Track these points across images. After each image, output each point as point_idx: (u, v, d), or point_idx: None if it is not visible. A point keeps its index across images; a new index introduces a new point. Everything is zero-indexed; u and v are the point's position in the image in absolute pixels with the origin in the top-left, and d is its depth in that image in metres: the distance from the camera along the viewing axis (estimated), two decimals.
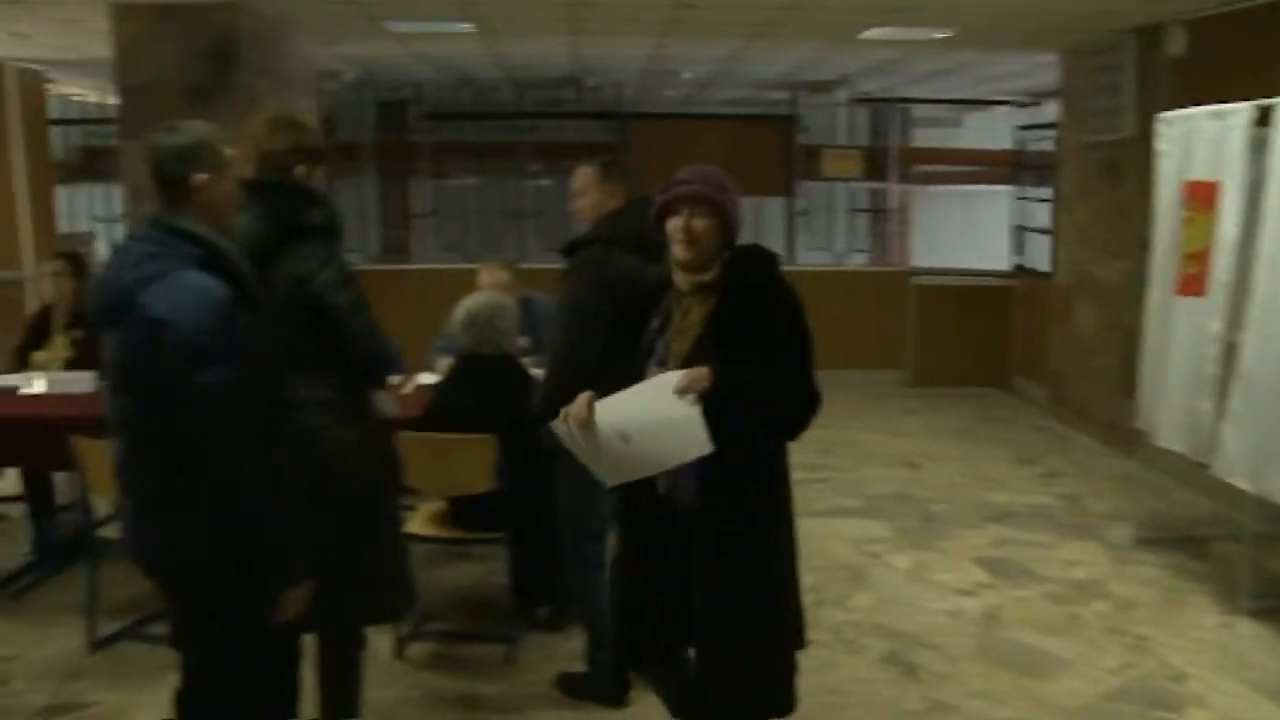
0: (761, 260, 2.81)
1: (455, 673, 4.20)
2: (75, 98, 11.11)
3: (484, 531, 4.21)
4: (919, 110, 12.43)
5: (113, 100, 8.13)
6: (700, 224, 2.69)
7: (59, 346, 5.55)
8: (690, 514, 2.76)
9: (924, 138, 12.86)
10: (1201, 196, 5.07)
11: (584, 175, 3.77)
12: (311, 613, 2.73)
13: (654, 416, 2.61)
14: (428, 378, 5.05)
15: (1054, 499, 6.44)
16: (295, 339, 2.95)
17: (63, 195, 10.24)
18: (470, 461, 3.97)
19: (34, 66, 9.44)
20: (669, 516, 2.80)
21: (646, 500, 2.82)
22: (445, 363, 4.74)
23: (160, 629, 4.35)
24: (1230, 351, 4.81)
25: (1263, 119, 4.68)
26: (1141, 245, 5.89)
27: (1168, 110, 5.57)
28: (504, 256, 5.75)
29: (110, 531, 4.28)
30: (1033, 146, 10.04)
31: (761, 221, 11.97)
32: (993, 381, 9.56)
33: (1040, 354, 8.85)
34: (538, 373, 4.42)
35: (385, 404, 3.72)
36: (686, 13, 7.16)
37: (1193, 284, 5.13)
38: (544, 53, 9.28)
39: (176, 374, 2.39)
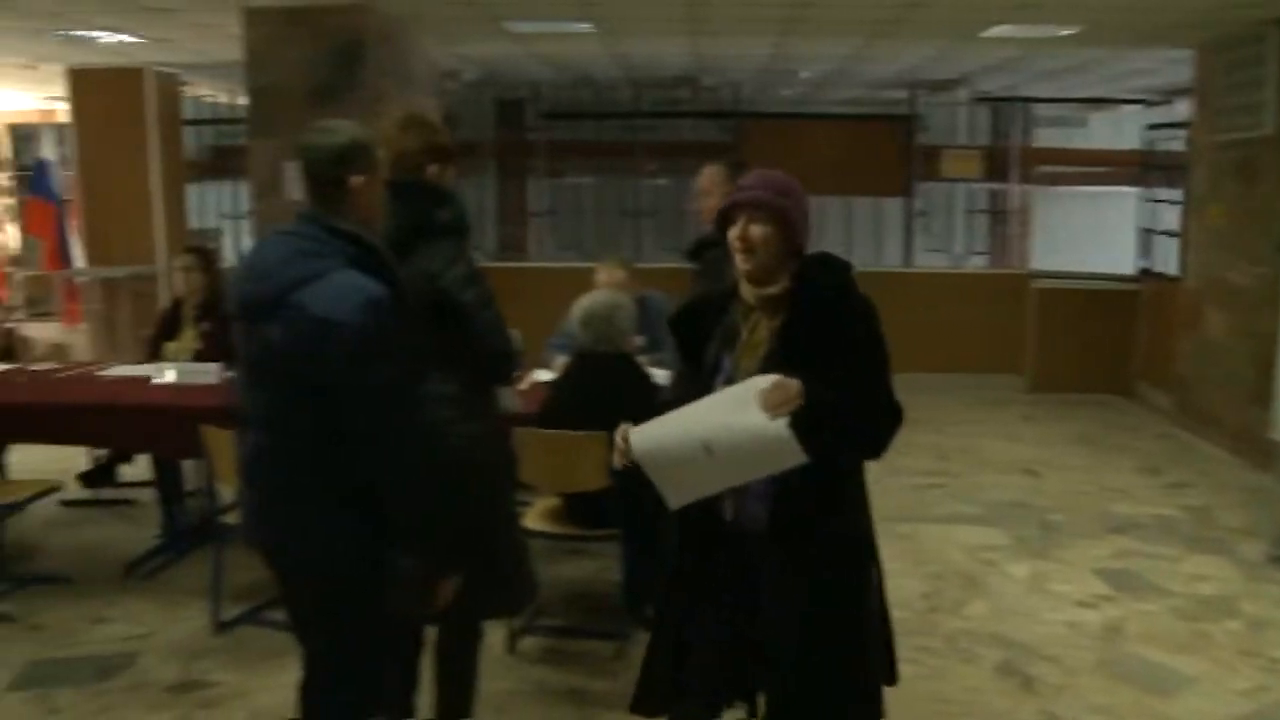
0: (833, 270, 2.63)
1: (566, 668, 4.24)
2: (207, 99, 11.48)
3: (597, 529, 4.24)
4: (1041, 109, 12.15)
5: (242, 101, 8.39)
6: (758, 231, 2.53)
7: (188, 338, 5.75)
8: (759, 541, 2.57)
9: (1046, 137, 12.56)
10: None
11: (710, 175, 3.78)
12: (435, 609, 2.79)
13: (741, 426, 2.42)
14: (544, 375, 5.11)
15: (1180, 511, 6.24)
16: (424, 335, 3.01)
17: (192, 193, 10.60)
18: (585, 459, 3.99)
19: (171, 70, 9.80)
20: (735, 545, 2.62)
21: (710, 527, 2.64)
22: (561, 360, 4.79)
23: (280, 615, 4.50)
24: None
25: None
26: (1278, 248, 5.68)
27: None
28: (621, 255, 5.78)
29: (235, 518, 4.43)
30: (1162, 146, 9.74)
31: (879, 222, 11.84)
32: (1115, 388, 9.31)
33: (1166, 360, 8.58)
34: (654, 371, 4.45)
35: (510, 400, 3.77)
36: (806, 12, 7.11)
37: None
38: (662, 52, 9.30)
39: (339, 373, 2.44)
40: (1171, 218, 9.13)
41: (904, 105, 11.13)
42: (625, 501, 4.04)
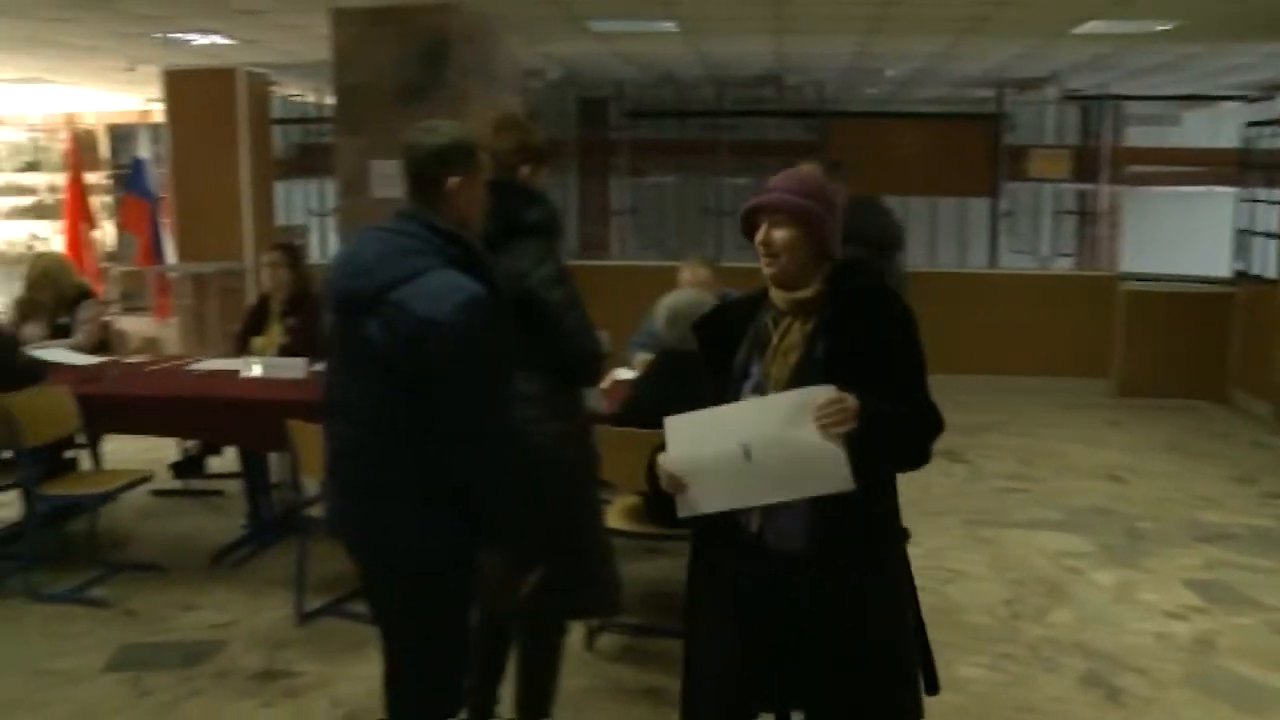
0: (865, 272, 2.53)
1: (643, 666, 4.25)
2: (295, 98, 11.68)
3: (676, 528, 4.22)
4: (1133, 107, 11.86)
5: (329, 100, 8.53)
6: (780, 235, 2.41)
7: (275, 333, 5.85)
8: (789, 560, 2.39)
9: (1138, 136, 12.26)
10: None
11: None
12: (520, 604, 2.81)
13: (791, 438, 2.26)
14: (625, 373, 5.12)
15: (1276, 522, 6.06)
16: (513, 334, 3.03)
17: (280, 190, 10.80)
18: None
19: (260, 70, 9.99)
20: (760, 563, 2.43)
21: (732, 541, 2.47)
22: (643, 358, 4.79)
23: (361, 607, 4.56)
24: None
25: None
26: None
27: None
28: (705, 254, 5.78)
29: (319, 511, 4.51)
30: (1262, 144, 9.46)
31: (964, 223, 11.67)
32: (1207, 394, 9.08)
33: (1263, 366, 8.35)
34: None
35: (596, 400, 3.78)
36: (893, 10, 7.04)
37: None
38: (746, 51, 9.27)
39: (436, 371, 2.46)
40: (1272, 218, 8.87)
41: (991, 104, 10.95)
42: None
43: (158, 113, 10.42)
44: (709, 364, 2.59)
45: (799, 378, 2.37)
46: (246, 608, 4.79)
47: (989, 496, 6.41)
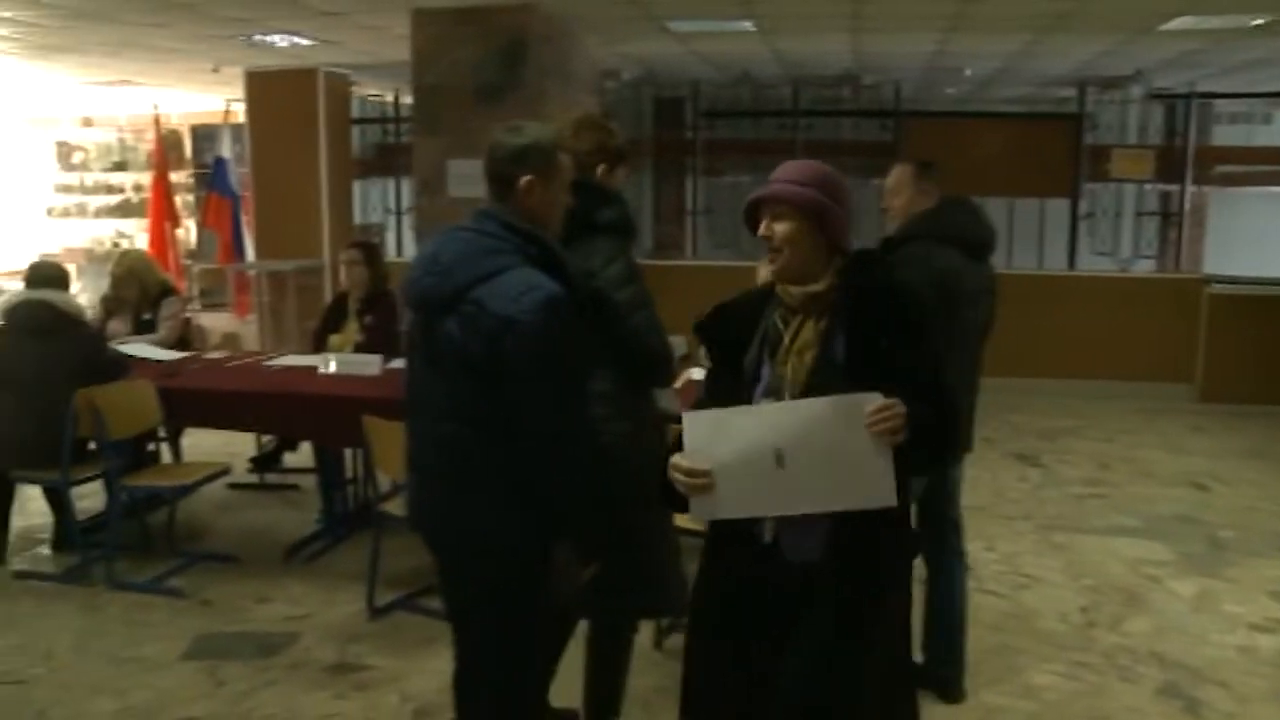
0: (878, 264, 2.44)
1: None
2: (373, 98, 11.83)
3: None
4: (1221, 106, 11.59)
5: (407, 100, 8.62)
6: (782, 228, 2.32)
7: (351, 331, 5.93)
8: (804, 571, 2.30)
9: (1225, 135, 11.97)
10: None
11: (899, 173, 3.79)
12: (587, 599, 2.81)
13: (830, 444, 2.16)
14: (698, 373, 5.10)
15: None
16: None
17: (357, 189, 10.95)
18: None
19: (340, 70, 10.14)
20: (774, 573, 2.32)
21: (745, 549, 2.35)
22: None
23: (433, 603, 4.61)
24: None
25: None
26: None
27: None
28: None
29: (392, 507, 4.56)
30: None
31: (1043, 224, 11.47)
32: None
33: None
34: None
35: (669, 400, 3.77)
36: (974, 8, 6.95)
37: None
38: (823, 50, 9.22)
39: (514, 368, 2.49)
40: None
41: (1072, 103, 10.76)
42: None
43: (240, 113, 10.62)
44: (717, 366, 2.49)
45: (816, 378, 2.27)
46: (319, 601, 4.85)
47: (1064, 502, 6.29)
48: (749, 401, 2.34)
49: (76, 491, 5.31)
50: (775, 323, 2.39)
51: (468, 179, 6.69)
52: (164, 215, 11.97)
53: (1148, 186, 11.02)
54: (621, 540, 3.02)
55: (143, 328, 6.22)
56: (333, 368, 5.43)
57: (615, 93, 11.20)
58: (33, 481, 5.34)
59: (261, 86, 10.05)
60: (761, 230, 2.36)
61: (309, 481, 6.18)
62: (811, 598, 2.29)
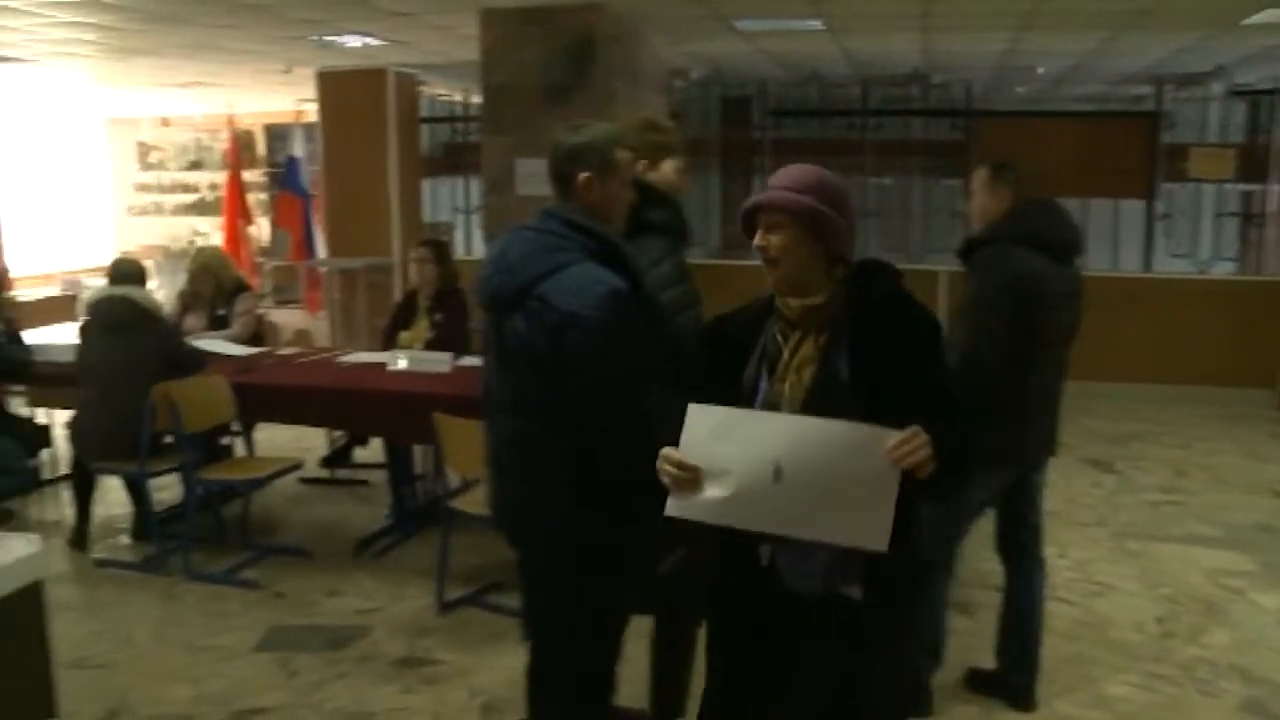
0: (884, 274, 2.28)
1: None
2: (442, 98, 11.93)
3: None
4: None
5: (476, 99, 8.67)
6: (777, 237, 2.20)
7: (421, 328, 5.97)
8: (803, 602, 2.22)
9: None
10: None
11: (976, 177, 3.77)
12: (654, 596, 2.81)
13: (835, 471, 2.03)
14: None
15: None
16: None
17: (426, 188, 11.05)
18: None
19: (409, 70, 10.23)
20: (773, 600, 2.25)
21: (743, 572, 2.28)
22: None
23: (501, 599, 4.64)
24: None
25: None
26: None
27: None
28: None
29: (462, 503, 4.59)
30: None
31: (1118, 226, 11.27)
32: None
33: None
34: None
35: None
36: (1048, 5, 6.84)
37: None
38: (893, 49, 9.12)
39: (579, 362, 2.51)
40: None
41: (1149, 101, 10.56)
42: None
43: (311, 112, 10.76)
44: (713, 381, 2.32)
45: (817, 397, 2.16)
46: (389, 595, 4.90)
47: (1139, 509, 6.17)
48: None
49: (154, 483, 5.43)
50: (774, 336, 2.27)
51: (535, 177, 6.69)
52: (237, 213, 12.17)
53: (1228, 186, 10.77)
54: (683, 537, 3.02)
55: (217, 323, 6.32)
56: (403, 365, 5.47)
57: (683, 92, 11.18)
58: (113, 473, 5.46)
59: (333, 86, 10.17)
60: (756, 240, 2.25)
61: (378, 477, 6.25)
62: (814, 622, 2.22)
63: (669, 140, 3.31)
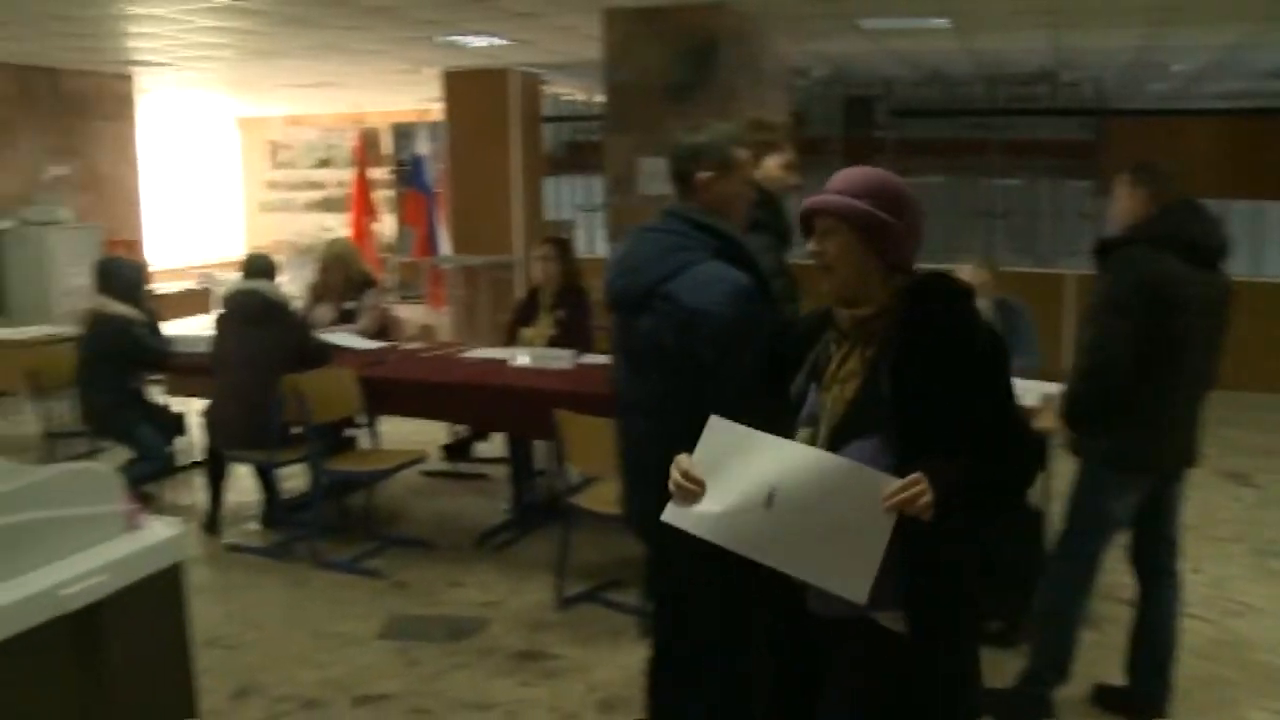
0: (947, 290, 2.13)
1: None
2: (565, 97, 12.04)
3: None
4: None
5: (599, 98, 8.72)
6: (831, 244, 2.08)
7: (544, 325, 6.01)
8: (833, 628, 2.11)
9: None
10: None
11: (1117, 179, 3.66)
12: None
13: (825, 507, 1.96)
14: None
15: None
16: None
17: (548, 186, 11.15)
18: None
19: (533, 70, 10.34)
20: (802, 627, 2.16)
21: (769, 597, 2.20)
22: None
23: (619, 596, 4.65)
24: None
25: None
26: None
27: None
28: (988, 257, 5.61)
29: (582, 500, 4.62)
30: None
31: (1261, 229, 10.84)
32: None
33: None
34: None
35: None
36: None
37: None
38: (1021, 47, 8.92)
39: (708, 360, 2.52)
40: None
41: None
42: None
43: (436, 111, 10.95)
44: (768, 387, 2.27)
45: (855, 411, 2.07)
46: (508, 589, 4.95)
47: None
48: (790, 427, 2.13)
49: (282, 472, 5.57)
50: (827, 346, 2.18)
51: (658, 176, 6.69)
52: (363, 210, 12.47)
53: None
54: None
55: (346, 316, 6.46)
56: (525, 360, 5.52)
57: (805, 91, 11.10)
58: (243, 461, 5.62)
59: (457, 86, 10.34)
60: (811, 245, 2.14)
61: (499, 471, 6.32)
62: (844, 660, 2.14)
63: (774, 138, 3.31)
